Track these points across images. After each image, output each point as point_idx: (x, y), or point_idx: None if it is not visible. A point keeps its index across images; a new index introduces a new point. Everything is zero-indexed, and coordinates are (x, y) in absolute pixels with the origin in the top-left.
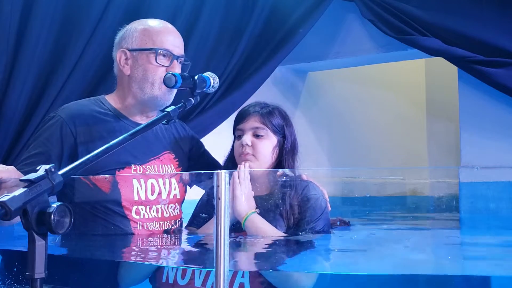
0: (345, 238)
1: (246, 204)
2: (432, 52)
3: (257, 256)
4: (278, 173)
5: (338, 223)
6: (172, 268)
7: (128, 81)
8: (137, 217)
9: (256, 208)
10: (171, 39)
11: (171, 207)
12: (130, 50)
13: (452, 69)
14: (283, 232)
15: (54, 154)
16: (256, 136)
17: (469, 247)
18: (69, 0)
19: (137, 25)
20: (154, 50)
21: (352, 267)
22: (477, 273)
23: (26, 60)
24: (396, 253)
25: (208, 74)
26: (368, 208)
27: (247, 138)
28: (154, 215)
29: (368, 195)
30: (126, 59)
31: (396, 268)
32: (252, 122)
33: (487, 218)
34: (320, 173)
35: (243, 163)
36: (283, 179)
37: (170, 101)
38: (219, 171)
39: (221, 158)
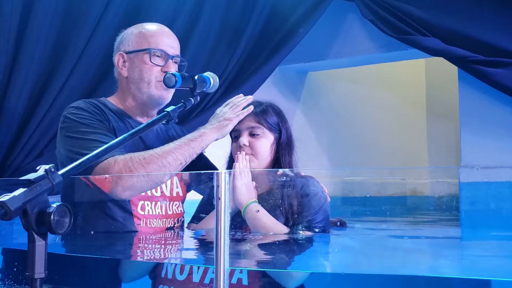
0: (346, 238)
1: (246, 194)
2: (432, 52)
3: (258, 255)
4: (278, 173)
5: (338, 223)
6: (171, 263)
7: (127, 83)
8: (142, 212)
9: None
10: (166, 40)
11: (175, 204)
12: (127, 53)
13: (452, 69)
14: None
15: (107, 128)
16: (253, 135)
17: (469, 247)
18: (69, 0)
19: (134, 29)
20: (148, 50)
21: (352, 267)
22: (477, 275)
23: (26, 60)
24: (396, 254)
25: (208, 74)
26: (368, 208)
27: (244, 139)
28: (158, 212)
29: (368, 195)
30: (124, 61)
31: (396, 269)
32: (247, 122)
33: (487, 218)
34: (320, 173)
35: (239, 153)
36: (283, 179)
37: (168, 100)
38: (219, 171)
39: (222, 161)
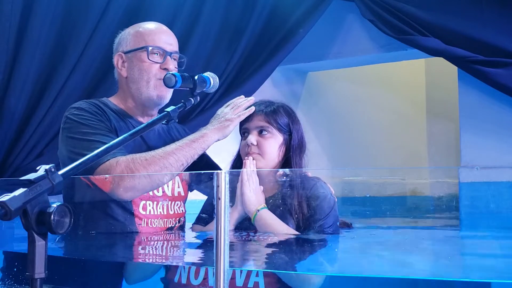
0: (346, 238)
1: (255, 200)
2: (432, 52)
3: (268, 256)
4: (278, 173)
5: (337, 223)
6: (185, 267)
7: (127, 83)
8: (144, 212)
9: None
10: (163, 37)
11: (177, 204)
12: (125, 53)
13: (452, 69)
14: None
15: (109, 128)
16: (261, 135)
17: (469, 247)
18: (69, 1)
19: (131, 29)
20: (145, 48)
21: (352, 268)
22: (477, 277)
23: (26, 60)
24: (396, 254)
25: (208, 74)
26: (368, 208)
27: (252, 138)
28: (160, 212)
29: (368, 195)
30: (123, 61)
31: (396, 270)
32: (257, 121)
33: (487, 218)
34: (320, 173)
35: (247, 158)
36: (283, 179)
37: (168, 100)
38: (219, 171)
39: (226, 161)
